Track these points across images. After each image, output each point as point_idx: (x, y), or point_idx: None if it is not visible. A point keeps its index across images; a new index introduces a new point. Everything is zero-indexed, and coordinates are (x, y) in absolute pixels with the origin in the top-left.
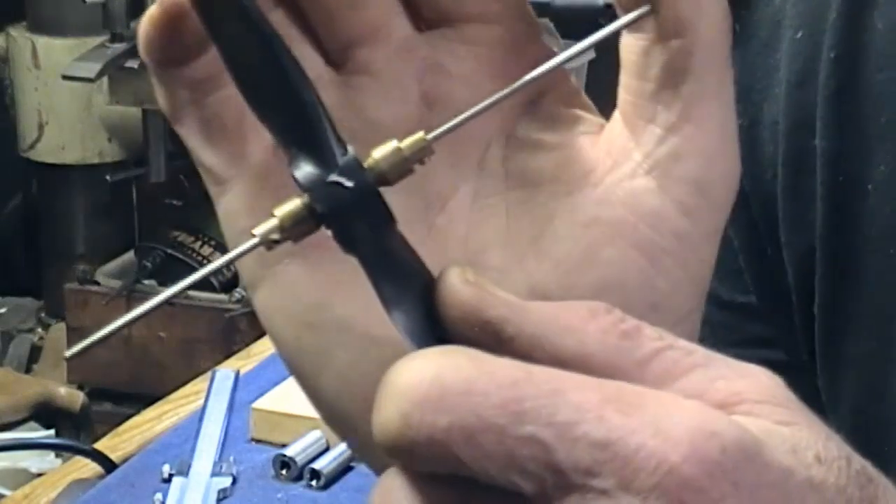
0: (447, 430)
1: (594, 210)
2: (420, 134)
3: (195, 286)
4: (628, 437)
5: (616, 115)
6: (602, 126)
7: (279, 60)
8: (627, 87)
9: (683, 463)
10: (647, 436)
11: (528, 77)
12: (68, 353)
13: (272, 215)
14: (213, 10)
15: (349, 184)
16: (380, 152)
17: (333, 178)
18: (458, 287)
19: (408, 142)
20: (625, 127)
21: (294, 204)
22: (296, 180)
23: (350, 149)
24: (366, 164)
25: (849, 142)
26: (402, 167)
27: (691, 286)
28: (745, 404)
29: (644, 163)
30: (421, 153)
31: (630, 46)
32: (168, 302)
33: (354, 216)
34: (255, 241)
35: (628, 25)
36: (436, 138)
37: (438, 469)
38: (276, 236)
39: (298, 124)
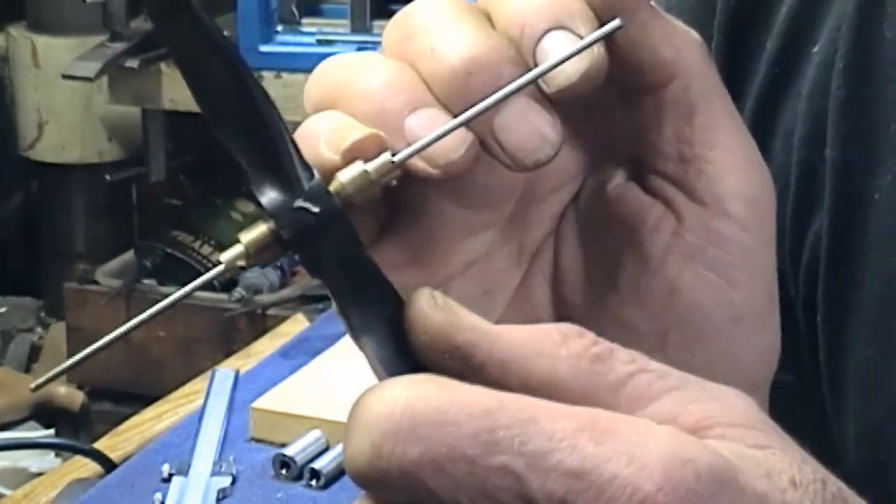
0: (418, 461)
1: (668, 242)
2: (387, 155)
3: None
4: (602, 466)
5: (648, 175)
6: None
7: (246, 86)
8: (647, 143)
9: (658, 492)
10: (621, 465)
11: (483, 104)
12: (33, 385)
13: (237, 241)
14: (179, 36)
15: (315, 209)
16: (346, 175)
17: (299, 203)
18: (427, 312)
19: (374, 164)
20: (659, 177)
21: (260, 230)
22: (261, 206)
23: (316, 174)
24: (332, 188)
25: (857, 152)
26: (368, 190)
27: (764, 293)
28: (718, 427)
29: (693, 197)
30: (387, 175)
31: (636, 110)
32: None
33: (321, 241)
34: (220, 268)
35: (601, 39)
36: (402, 161)
37: (410, 499)
38: (241, 263)
39: (264, 150)
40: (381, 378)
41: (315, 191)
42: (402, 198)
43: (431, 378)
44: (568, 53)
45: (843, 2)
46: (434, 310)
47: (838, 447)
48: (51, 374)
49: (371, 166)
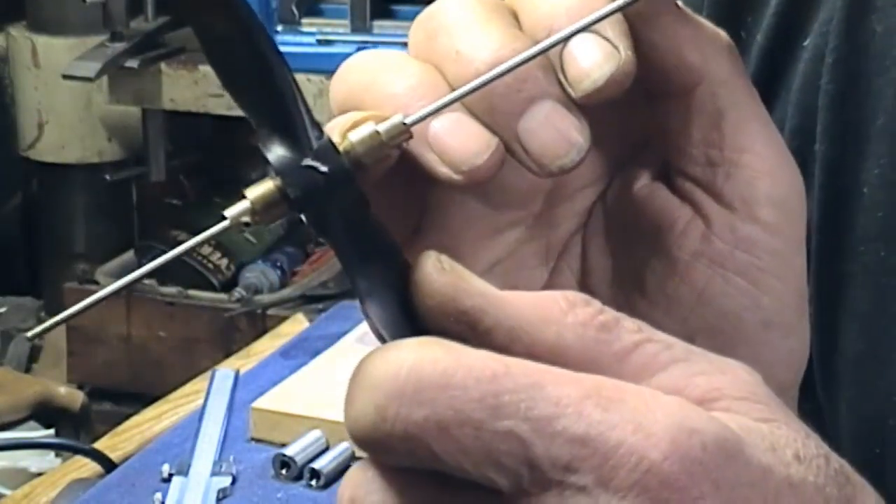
0: (423, 424)
1: (696, 247)
2: (398, 117)
3: (194, 286)
4: (608, 433)
5: (676, 178)
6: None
7: (257, 44)
8: (675, 146)
9: (664, 461)
10: (627, 432)
11: (507, 64)
12: (29, 335)
13: (243, 197)
14: None
15: (324, 168)
16: (356, 135)
17: (308, 162)
18: (434, 276)
19: (385, 125)
20: (687, 181)
21: (266, 187)
22: (268, 163)
23: (326, 133)
24: (342, 148)
25: (846, 146)
26: (378, 152)
27: (794, 297)
28: (723, 400)
29: (721, 201)
30: (398, 137)
31: (663, 113)
32: (168, 301)
33: (328, 202)
34: (225, 223)
35: (623, 8)
36: (414, 123)
37: (412, 463)
38: (247, 219)
39: (273, 107)
40: (386, 341)
41: (324, 150)
42: (430, 199)
43: (438, 341)
44: (579, 25)
45: None
46: (441, 273)
47: (833, 442)
48: (47, 324)
49: (382, 127)
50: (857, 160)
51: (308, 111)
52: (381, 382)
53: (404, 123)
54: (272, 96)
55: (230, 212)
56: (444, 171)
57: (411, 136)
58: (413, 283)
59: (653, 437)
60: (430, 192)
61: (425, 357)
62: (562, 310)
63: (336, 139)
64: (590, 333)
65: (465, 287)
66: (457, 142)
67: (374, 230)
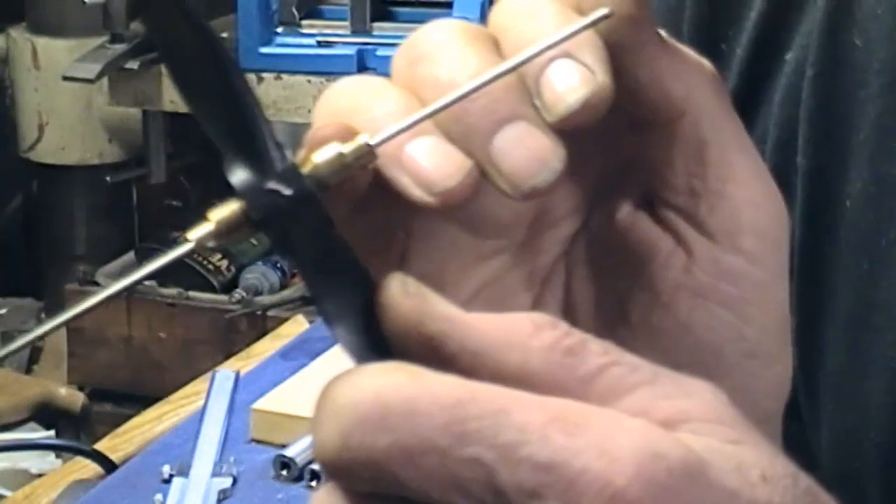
0: (387, 451)
1: (678, 278)
2: (364, 138)
3: (195, 287)
4: (573, 459)
5: (659, 208)
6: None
7: (220, 64)
8: (657, 176)
9: (629, 486)
10: (591, 457)
11: (457, 93)
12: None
13: (207, 219)
14: (155, 11)
15: (287, 191)
16: (321, 157)
17: (271, 185)
18: (399, 299)
19: (350, 146)
20: (670, 210)
21: (231, 209)
22: (231, 186)
23: (289, 154)
24: (306, 170)
25: (828, 159)
26: (343, 173)
27: (777, 326)
28: (690, 423)
29: (704, 231)
30: (363, 159)
31: (646, 143)
32: (168, 303)
33: (292, 224)
34: (190, 245)
35: (589, 28)
36: (379, 143)
37: (378, 489)
38: (212, 243)
39: (236, 128)
40: (352, 366)
41: (287, 172)
42: (414, 228)
43: (402, 366)
44: (547, 43)
45: (815, 9)
46: (405, 297)
47: (814, 453)
48: (11, 347)
49: (347, 148)
50: (839, 173)
51: (272, 133)
52: (345, 409)
53: (369, 145)
54: (236, 118)
55: (194, 234)
56: (417, 193)
57: (376, 158)
58: (378, 306)
59: (617, 462)
60: (415, 221)
61: (389, 383)
62: (528, 333)
63: (300, 160)
64: (555, 357)
65: (429, 311)
66: (430, 164)
67: (339, 252)
